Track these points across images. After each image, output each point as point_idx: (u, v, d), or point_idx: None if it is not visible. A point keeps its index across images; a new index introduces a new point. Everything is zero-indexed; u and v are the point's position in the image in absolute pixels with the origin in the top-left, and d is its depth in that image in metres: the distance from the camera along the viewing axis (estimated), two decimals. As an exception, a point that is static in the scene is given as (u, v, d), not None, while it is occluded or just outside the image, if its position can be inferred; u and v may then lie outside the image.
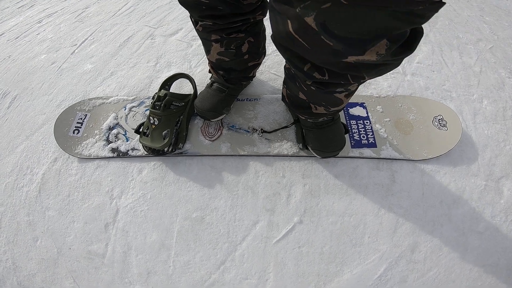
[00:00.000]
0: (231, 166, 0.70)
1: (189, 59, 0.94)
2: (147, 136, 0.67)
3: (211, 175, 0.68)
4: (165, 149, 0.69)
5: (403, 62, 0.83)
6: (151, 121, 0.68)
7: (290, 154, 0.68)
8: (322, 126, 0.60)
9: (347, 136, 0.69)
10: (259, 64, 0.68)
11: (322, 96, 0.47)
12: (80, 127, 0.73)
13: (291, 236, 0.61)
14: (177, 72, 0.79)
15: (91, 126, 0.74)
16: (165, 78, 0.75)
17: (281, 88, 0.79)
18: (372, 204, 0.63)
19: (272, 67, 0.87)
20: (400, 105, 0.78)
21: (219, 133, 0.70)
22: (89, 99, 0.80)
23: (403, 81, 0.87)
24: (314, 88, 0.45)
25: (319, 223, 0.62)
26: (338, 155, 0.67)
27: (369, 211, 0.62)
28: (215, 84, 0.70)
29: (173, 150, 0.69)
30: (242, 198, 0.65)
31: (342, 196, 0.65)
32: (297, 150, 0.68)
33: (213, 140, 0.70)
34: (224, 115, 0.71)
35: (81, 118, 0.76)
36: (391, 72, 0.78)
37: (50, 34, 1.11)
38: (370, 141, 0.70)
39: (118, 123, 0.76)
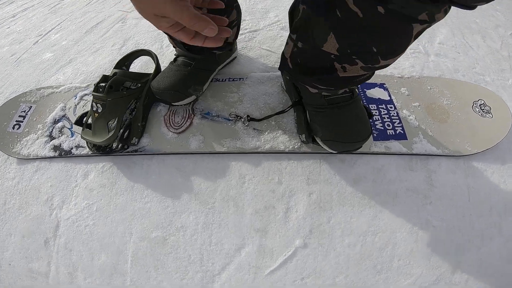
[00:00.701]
0: (204, 168, 0.51)
1: (161, 39, 0.81)
2: (91, 128, 0.51)
3: (177, 180, 0.51)
4: (113, 146, 0.51)
5: (423, 40, 0.76)
6: (94, 108, 0.51)
7: (288, 150, 0.48)
8: (339, 105, 0.42)
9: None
10: (231, 24, 0.50)
11: (386, 32, 0.28)
12: (22, 121, 0.62)
13: (291, 265, 0.46)
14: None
15: (34, 119, 0.63)
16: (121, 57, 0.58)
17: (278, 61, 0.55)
18: (404, 218, 0.48)
19: (264, 42, 0.70)
20: (429, 87, 0.61)
21: (188, 123, 0.51)
22: (37, 88, 0.69)
23: (427, 61, 0.74)
24: (383, 13, 0.25)
25: (331, 246, 0.47)
26: (357, 151, 0.47)
27: (400, 227, 0.48)
28: (179, 58, 0.51)
29: (125, 147, 0.52)
30: (220, 214, 0.49)
31: (363, 208, 0.48)
32: (299, 144, 0.48)
33: (180, 132, 0.50)
34: (193, 97, 0.52)
35: (24, 111, 0.64)
36: (410, 49, 0.71)
37: (20, 27, 1.06)
38: (397, 131, 0.51)
39: (65, 114, 0.62)
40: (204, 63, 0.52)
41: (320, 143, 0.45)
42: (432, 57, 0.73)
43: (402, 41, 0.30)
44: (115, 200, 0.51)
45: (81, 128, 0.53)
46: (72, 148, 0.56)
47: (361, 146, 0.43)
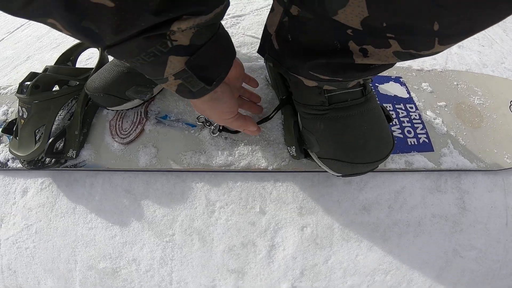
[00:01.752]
0: (159, 190, 0.39)
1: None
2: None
3: (124, 205, 0.40)
4: (45, 160, 0.40)
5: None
6: (20, 113, 0.40)
7: (272, 168, 0.35)
8: (346, 106, 0.28)
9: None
10: None
11: None
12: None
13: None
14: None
15: (-27, 126, 0.52)
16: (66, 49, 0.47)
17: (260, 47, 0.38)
18: (426, 250, 0.39)
19: (250, 28, 0.57)
20: (455, 83, 0.49)
21: (138, 130, 0.37)
22: (-20, 91, 0.60)
23: (450, 53, 0.64)
24: None
25: (329, 290, 0.36)
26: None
27: (420, 262, 0.38)
28: None
29: (61, 161, 0.41)
30: (181, 249, 0.39)
31: (374, 242, 0.38)
32: (287, 159, 0.35)
33: (127, 143, 0.37)
34: (137, 101, 0.38)
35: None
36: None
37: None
38: (421, 140, 0.39)
39: (6, 119, 0.52)
40: None
41: (316, 161, 0.31)
42: (454, 48, 0.63)
43: (493, 13, 0.17)
44: (55, 222, 0.45)
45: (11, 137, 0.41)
46: (8, 160, 0.46)
47: (377, 166, 0.29)
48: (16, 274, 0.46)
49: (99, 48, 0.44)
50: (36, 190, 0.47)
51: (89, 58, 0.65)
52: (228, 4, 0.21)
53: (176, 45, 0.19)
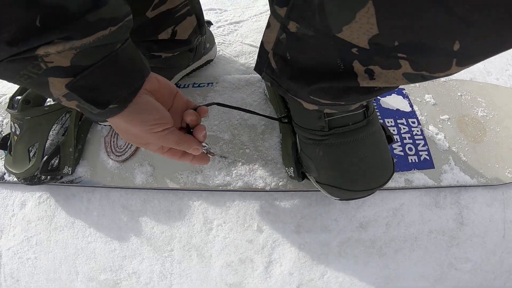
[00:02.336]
0: (156, 208, 0.39)
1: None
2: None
3: (122, 221, 0.41)
4: (41, 176, 0.39)
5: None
6: (13, 129, 0.39)
7: (270, 188, 0.35)
8: (347, 130, 0.27)
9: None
10: (178, 7, 0.33)
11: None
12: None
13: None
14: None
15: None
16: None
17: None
18: (422, 264, 0.39)
19: (248, 36, 0.55)
20: (459, 94, 0.48)
21: (133, 148, 0.37)
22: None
23: None
24: None
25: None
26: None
27: (414, 275, 0.39)
28: None
29: (57, 177, 0.40)
30: (180, 264, 0.39)
31: (370, 258, 0.38)
32: (285, 180, 0.35)
33: (123, 161, 0.37)
34: None
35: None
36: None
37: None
38: (422, 157, 0.38)
39: (1, 131, 0.51)
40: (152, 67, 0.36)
41: (314, 184, 0.31)
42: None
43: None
44: (55, 235, 0.45)
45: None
46: (5, 174, 0.46)
47: (376, 191, 0.28)
48: (19, 283, 0.47)
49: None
50: (34, 203, 0.47)
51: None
52: (126, 24, 0.19)
53: (52, 66, 0.17)
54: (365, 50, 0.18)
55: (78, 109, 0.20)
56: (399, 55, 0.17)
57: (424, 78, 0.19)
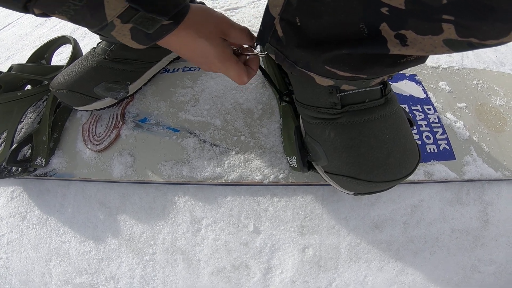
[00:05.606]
0: (136, 204, 0.35)
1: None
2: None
3: (98, 219, 0.36)
4: (12, 168, 0.35)
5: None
6: None
7: (268, 181, 0.30)
8: (363, 108, 0.22)
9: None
10: None
11: None
12: None
13: None
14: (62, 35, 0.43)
15: None
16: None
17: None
18: (443, 267, 0.35)
19: (246, 21, 0.52)
20: (475, 82, 0.44)
21: (113, 135, 0.32)
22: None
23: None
24: None
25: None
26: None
27: (434, 280, 0.34)
28: (100, 44, 0.33)
29: (29, 169, 0.36)
30: (164, 268, 0.34)
31: (386, 262, 0.34)
32: (286, 171, 0.30)
33: (101, 150, 0.32)
34: (108, 100, 0.33)
35: None
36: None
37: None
38: (441, 147, 0.34)
39: None
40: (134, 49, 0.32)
41: (322, 175, 0.26)
42: (469, 45, 0.60)
43: None
44: (27, 234, 0.43)
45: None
46: None
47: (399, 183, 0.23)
48: (-7, 284, 0.43)
49: (72, 45, 0.39)
50: (7, 199, 0.44)
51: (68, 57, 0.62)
52: None
53: None
54: (399, 10, 0.15)
55: (130, 37, 0.20)
56: (444, 17, 0.14)
57: (471, 46, 0.15)
